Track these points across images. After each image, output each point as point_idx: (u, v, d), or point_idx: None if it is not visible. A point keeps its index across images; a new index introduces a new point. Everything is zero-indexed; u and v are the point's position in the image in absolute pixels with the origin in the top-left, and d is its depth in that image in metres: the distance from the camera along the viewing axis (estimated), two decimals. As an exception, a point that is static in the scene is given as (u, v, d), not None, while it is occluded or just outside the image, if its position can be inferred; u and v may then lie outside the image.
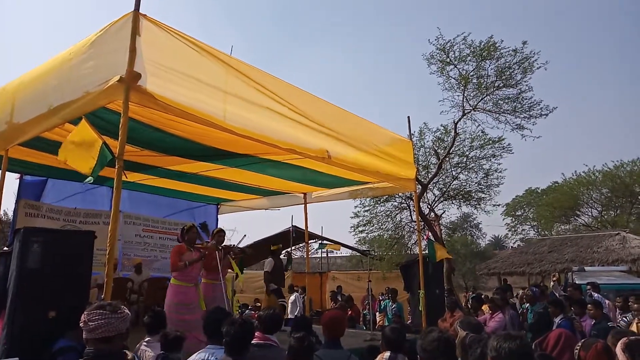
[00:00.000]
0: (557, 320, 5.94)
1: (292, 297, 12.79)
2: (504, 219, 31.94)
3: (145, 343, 3.94)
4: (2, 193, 5.40)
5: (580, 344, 2.79)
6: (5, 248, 5.62)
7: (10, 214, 10.45)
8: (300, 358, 2.86)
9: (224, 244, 6.47)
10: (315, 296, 15.75)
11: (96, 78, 3.89)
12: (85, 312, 2.11)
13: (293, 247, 19.36)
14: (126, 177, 3.90)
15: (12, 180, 7.95)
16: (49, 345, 3.95)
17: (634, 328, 5.54)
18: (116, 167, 3.62)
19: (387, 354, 2.90)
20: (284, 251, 9.28)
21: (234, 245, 6.72)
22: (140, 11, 3.86)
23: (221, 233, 6.44)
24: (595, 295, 8.02)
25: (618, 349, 2.32)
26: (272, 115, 4.97)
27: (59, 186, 8.35)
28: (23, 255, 4.17)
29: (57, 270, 4.29)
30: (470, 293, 14.59)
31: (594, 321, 5.94)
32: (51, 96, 4.39)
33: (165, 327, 3.99)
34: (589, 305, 6.19)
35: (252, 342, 3.14)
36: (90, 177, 3.75)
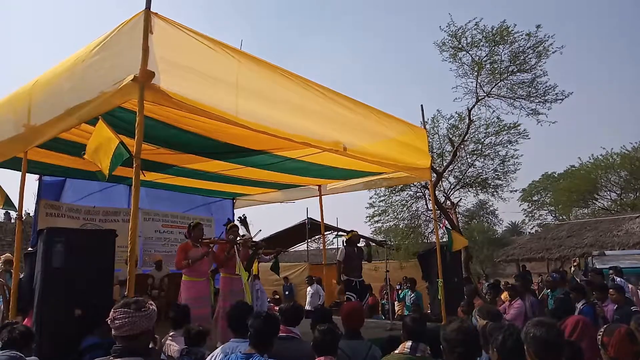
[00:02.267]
0: (579, 305, 5.89)
1: (312, 289, 12.85)
2: (520, 205, 31.72)
3: (170, 337, 4.02)
4: (23, 194, 5.49)
5: (603, 329, 2.76)
6: (29, 249, 5.73)
7: (32, 214, 10.63)
8: (325, 349, 2.88)
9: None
10: (332, 287, 15.80)
11: (111, 78, 3.93)
12: (112, 310, 2.14)
13: (309, 239, 19.46)
14: (144, 176, 3.95)
15: (31, 182, 8.10)
16: (77, 343, 4.04)
17: (658, 312, 5.46)
18: (134, 165, 3.66)
19: (409, 343, 2.90)
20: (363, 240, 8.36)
21: (251, 238, 6.74)
22: (151, 9, 3.88)
23: (234, 228, 6.51)
24: (618, 279, 7.93)
25: None
26: (285, 109, 4.97)
27: (78, 185, 8.48)
28: (47, 255, 4.26)
29: (81, 268, 4.37)
30: (484, 282, 14.50)
31: (616, 306, 5.86)
32: (67, 97, 4.44)
33: (189, 321, 4.06)
34: (611, 290, 6.11)
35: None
36: (102, 175, 3.80)
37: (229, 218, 6.87)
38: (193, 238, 5.98)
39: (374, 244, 8.38)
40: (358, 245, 7.94)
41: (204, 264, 5.90)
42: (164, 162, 6.77)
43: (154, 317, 2.20)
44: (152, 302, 2.27)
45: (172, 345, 3.94)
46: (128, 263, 3.67)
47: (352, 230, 8.04)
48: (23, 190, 5.52)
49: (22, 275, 5.08)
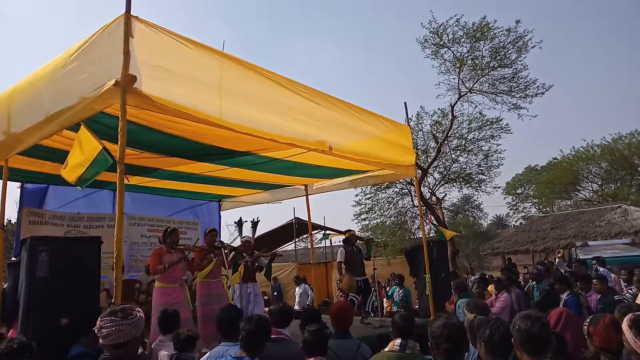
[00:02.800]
0: (563, 296, 6.01)
1: (300, 289, 12.88)
2: (505, 198, 32.10)
3: (159, 342, 4.00)
4: (4, 203, 5.40)
5: (588, 319, 2.82)
6: (13, 258, 5.64)
7: (14, 222, 10.45)
8: (315, 350, 2.89)
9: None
10: (321, 286, 15.84)
11: (92, 83, 3.88)
12: (99, 318, 2.13)
13: (297, 239, 19.45)
14: (128, 181, 3.92)
15: (13, 189, 7.97)
16: (64, 352, 3.99)
17: (640, 300, 5.58)
18: (118, 171, 3.63)
19: (398, 340, 2.93)
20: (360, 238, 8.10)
21: (227, 244, 6.74)
22: (131, 12, 3.85)
23: (213, 233, 6.50)
24: (601, 269, 8.08)
25: (624, 326, 2.35)
26: (270, 110, 4.96)
27: (61, 192, 8.34)
28: (31, 264, 4.20)
29: (66, 277, 4.31)
30: (470, 275, 14.66)
31: (599, 295, 5.98)
32: (47, 103, 4.38)
33: (178, 326, 4.04)
34: (594, 280, 6.23)
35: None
36: (81, 181, 3.75)
37: (240, 218, 6.84)
38: (168, 244, 5.95)
39: (362, 241, 8.30)
40: (356, 243, 7.88)
41: (177, 270, 5.89)
42: (148, 165, 6.71)
43: (141, 325, 2.19)
44: (140, 309, 2.26)
45: (161, 350, 3.92)
46: (114, 269, 3.64)
47: (349, 230, 7.99)
48: (4, 198, 5.44)
49: (5, 285, 5.01)
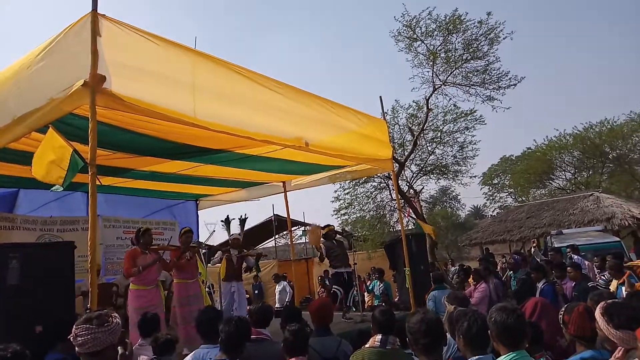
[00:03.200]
0: (540, 285, 6.13)
1: (279, 286, 12.88)
2: (481, 189, 32.60)
3: (138, 346, 3.93)
4: (-28, 209, 5.24)
5: (563, 308, 2.88)
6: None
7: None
8: (296, 350, 2.88)
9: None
10: (302, 283, 15.84)
11: (60, 84, 3.77)
12: (74, 326, 2.08)
13: (277, 235, 19.41)
14: (100, 183, 3.83)
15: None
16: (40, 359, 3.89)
17: (613, 286, 5.73)
18: (89, 173, 3.54)
19: (379, 336, 2.94)
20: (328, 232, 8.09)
21: (203, 243, 6.72)
22: (97, 11, 3.74)
23: (188, 234, 6.44)
24: (575, 257, 8.26)
25: (597, 314, 2.40)
26: (244, 107, 4.91)
27: (32, 196, 8.15)
28: (1, 272, 4.08)
29: (39, 284, 4.21)
30: (450, 266, 14.84)
31: (574, 283, 6.12)
32: (14, 106, 4.24)
33: (158, 330, 3.98)
34: (569, 268, 6.37)
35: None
36: (58, 186, 3.66)
37: (227, 216, 6.85)
38: (142, 245, 5.84)
39: (341, 235, 8.41)
40: (336, 238, 7.92)
41: (152, 272, 5.79)
42: (121, 166, 6.58)
43: (117, 331, 2.15)
44: (116, 314, 2.22)
45: (142, 355, 3.86)
46: (89, 274, 3.56)
47: (327, 225, 8.09)
48: (-28, 204, 5.27)
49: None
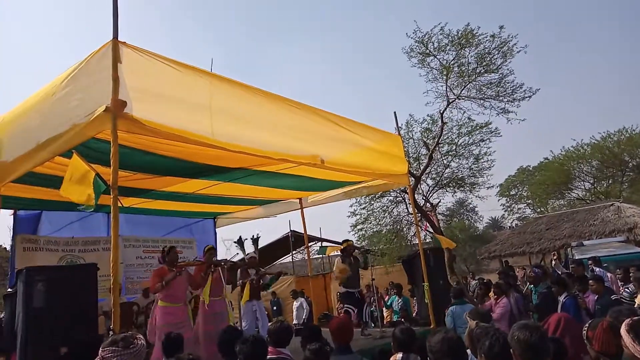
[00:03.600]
0: (561, 298, 6.01)
1: (297, 303, 12.86)
2: (499, 200, 32.26)
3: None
4: (-2, 232, 5.38)
5: (587, 324, 2.84)
6: (9, 289, 5.60)
7: (8, 247, 10.37)
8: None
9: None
10: (320, 299, 15.76)
11: (82, 110, 3.90)
12: (100, 348, 2.13)
13: (294, 251, 19.40)
14: (122, 204, 3.92)
15: (5, 215, 7.90)
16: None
17: (639, 300, 5.60)
18: (111, 196, 3.63)
19: (399, 355, 2.94)
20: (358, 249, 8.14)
21: (228, 260, 6.77)
22: (118, 39, 3.87)
23: (211, 251, 6.50)
24: (597, 269, 8.11)
25: (623, 330, 2.36)
26: (261, 127, 5.00)
27: (54, 217, 8.32)
28: (28, 295, 4.19)
29: (64, 306, 4.30)
30: (470, 279, 14.66)
31: (597, 296, 6.00)
32: (38, 132, 4.39)
33: (181, 350, 4.02)
34: (591, 281, 6.24)
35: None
36: (86, 206, 3.75)
37: (240, 237, 6.94)
38: (168, 262, 5.90)
39: (359, 251, 8.31)
40: (353, 254, 7.79)
41: (179, 289, 5.84)
42: (140, 187, 6.70)
43: (143, 353, 2.19)
44: (141, 336, 2.27)
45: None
46: (112, 294, 3.62)
47: (346, 240, 7.97)
48: (-2, 227, 5.41)
49: (2, 316, 4.97)
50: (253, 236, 6.75)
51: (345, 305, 7.44)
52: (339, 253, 7.88)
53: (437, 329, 2.54)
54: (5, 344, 4.76)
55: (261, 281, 7.08)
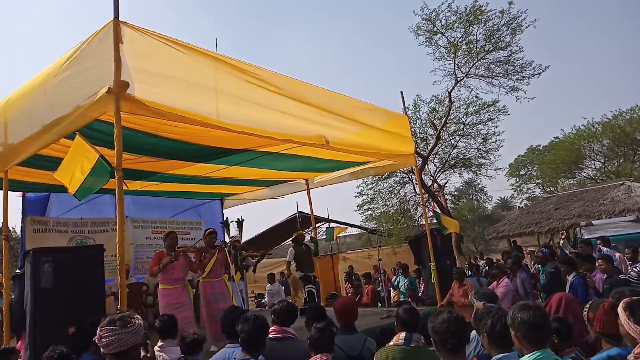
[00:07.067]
0: (570, 278, 5.99)
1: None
2: (508, 180, 32.10)
3: (158, 348, 3.99)
4: (7, 214, 5.43)
5: (588, 305, 2.82)
6: (17, 270, 5.67)
7: (18, 230, 10.48)
8: (322, 347, 2.90)
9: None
10: (328, 279, 15.87)
11: (85, 91, 3.87)
12: (98, 328, 2.15)
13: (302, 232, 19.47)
14: (127, 187, 3.92)
15: (14, 197, 7.97)
16: (74, 360, 4.01)
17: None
18: (116, 178, 3.63)
19: (403, 334, 2.94)
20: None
21: (228, 242, 6.83)
22: (119, 18, 3.82)
23: (212, 235, 6.55)
24: (605, 249, 8.06)
25: (619, 308, 2.35)
26: (266, 107, 4.95)
27: (62, 199, 8.37)
28: (35, 276, 4.23)
29: (71, 286, 4.34)
30: (479, 259, 14.67)
31: (605, 275, 5.97)
32: (42, 114, 4.39)
33: (177, 331, 4.05)
34: (599, 260, 6.21)
35: (270, 336, 3.20)
36: (79, 196, 3.76)
37: (226, 218, 7.04)
38: (166, 247, 6.03)
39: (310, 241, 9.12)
40: (305, 243, 8.55)
41: (177, 271, 5.95)
42: (146, 169, 6.71)
43: (140, 332, 2.21)
44: (139, 316, 2.28)
45: (161, 356, 3.92)
46: (118, 276, 3.65)
47: (297, 231, 8.76)
48: (6, 210, 5.46)
49: (12, 297, 5.04)
50: (237, 219, 6.96)
51: (307, 287, 8.05)
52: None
53: (439, 309, 2.53)
54: (15, 325, 4.83)
55: (244, 263, 7.21)
